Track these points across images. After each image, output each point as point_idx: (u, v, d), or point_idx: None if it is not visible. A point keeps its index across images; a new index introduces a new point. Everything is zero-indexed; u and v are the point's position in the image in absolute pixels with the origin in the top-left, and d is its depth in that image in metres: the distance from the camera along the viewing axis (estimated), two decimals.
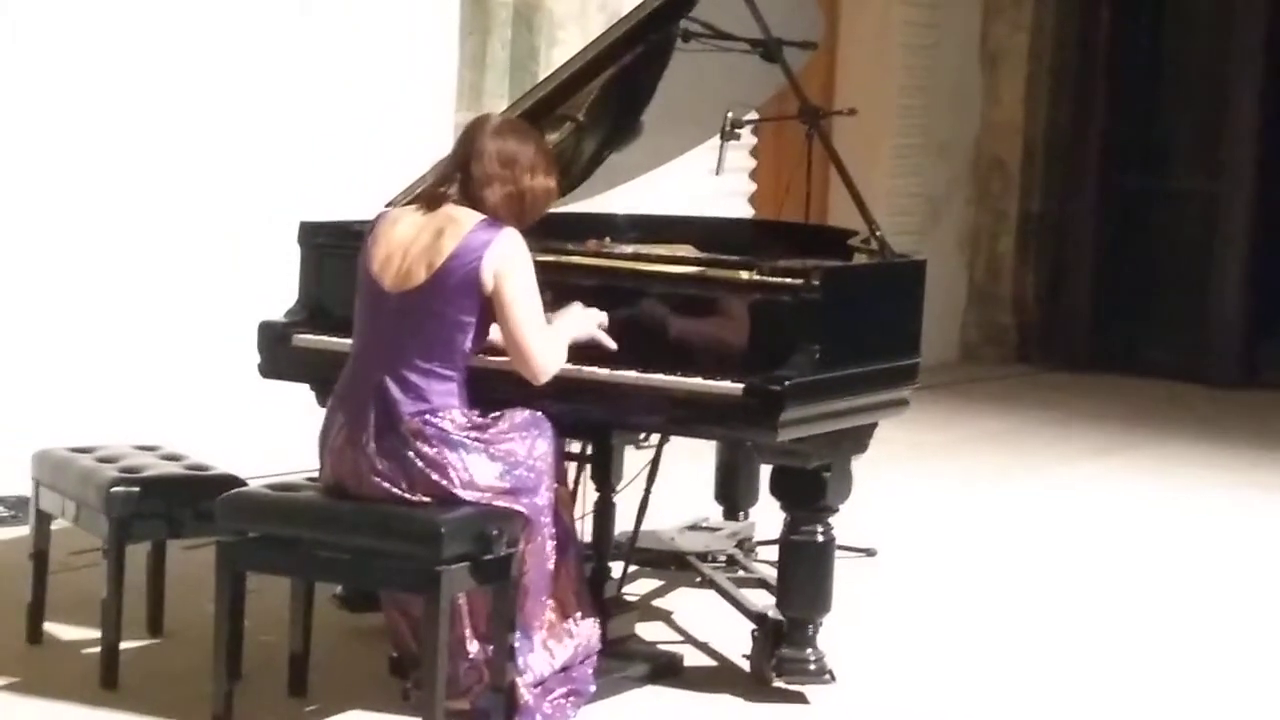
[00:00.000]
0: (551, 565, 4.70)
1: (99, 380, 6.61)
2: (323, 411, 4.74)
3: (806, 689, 4.93)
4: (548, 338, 4.61)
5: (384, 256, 4.58)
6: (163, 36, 6.86)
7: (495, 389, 4.68)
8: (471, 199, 4.60)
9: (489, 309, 4.55)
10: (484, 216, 4.56)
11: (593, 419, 4.90)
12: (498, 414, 4.62)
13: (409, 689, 4.67)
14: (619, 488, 5.17)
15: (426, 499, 4.47)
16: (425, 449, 4.48)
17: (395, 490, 4.48)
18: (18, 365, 6.48)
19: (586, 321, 4.78)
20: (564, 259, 5.00)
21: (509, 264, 4.52)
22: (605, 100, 5.60)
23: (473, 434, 4.53)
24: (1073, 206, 11.78)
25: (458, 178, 4.63)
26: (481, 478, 4.51)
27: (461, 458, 4.49)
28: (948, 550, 6.77)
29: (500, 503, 4.52)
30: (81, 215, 6.67)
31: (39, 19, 6.50)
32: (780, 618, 4.95)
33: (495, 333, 4.66)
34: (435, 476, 4.47)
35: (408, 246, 4.56)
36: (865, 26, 10.85)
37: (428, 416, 4.49)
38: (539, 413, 4.68)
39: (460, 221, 4.55)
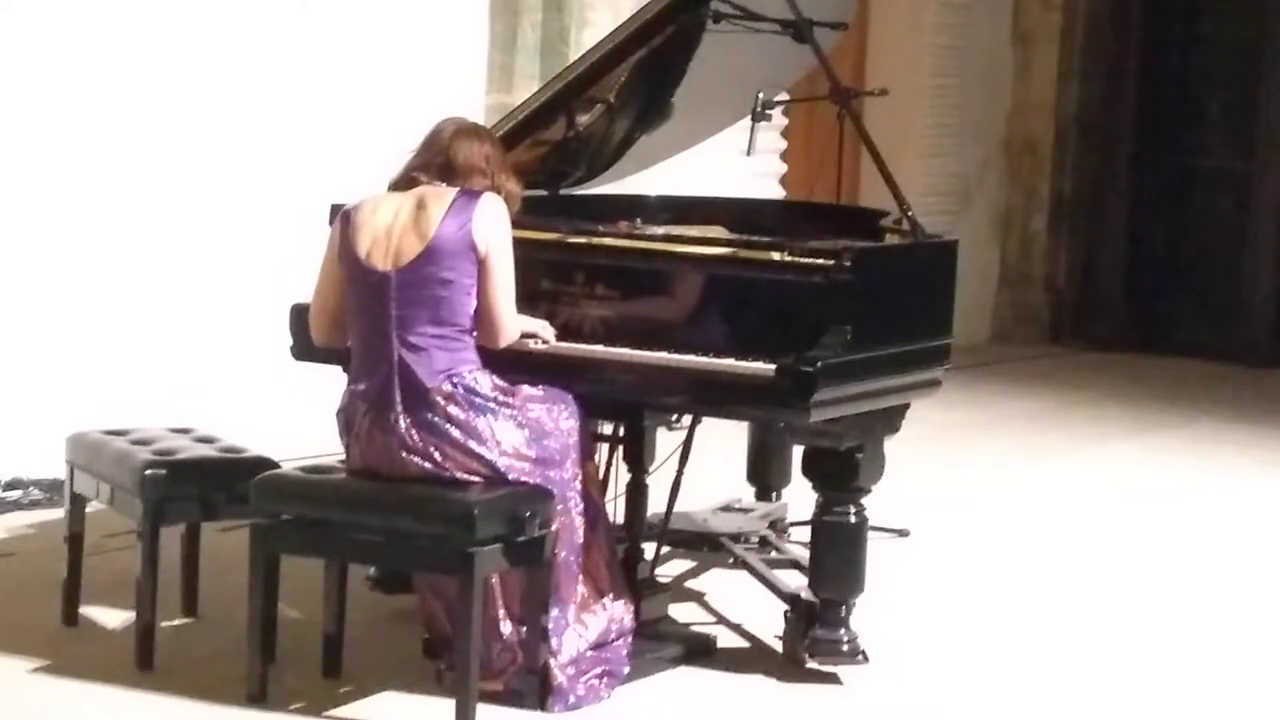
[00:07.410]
0: (581, 539, 4.72)
1: (132, 363, 6.63)
2: None
3: (839, 670, 4.93)
4: (516, 313, 4.66)
5: (370, 243, 4.60)
6: (199, 19, 6.87)
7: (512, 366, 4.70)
8: (452, 186, 4.63)
9: (479, 271, 4.57)
10: (460, 189, 4.60)
11: (624, 400, 4.91)
12: (524, 384, 4.65)
13: (443, 670, 4.68)
14: (651, 469, 5.17)
15: (458, 472, 4.49)
16: (456, 412, 4.50)
17: (427, 466, 4.49)
18: (52, 349, 6.50)
19: (534, 323, 4.83)
20: (595, 240, 5.00)
21: (498, 233, 4.57)
22: (636, 82, 5.59)
23: (501, 398, 4.56)
24: (1105, 186, 11.73)
25: (437, 165, 4.66)
26: (508, 443, 4.54)
27: (490, 424, 4.52)
28: (980, 531, 6.76)
29: (526, 470, 4.54)
30: (114, 200, 6.68)
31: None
32: (813, 599, 4.95)
33: None
34: (468, 441, 4.49)
35: (390, 226, 4.59)
36: (897, 6, 10.81)
37: (453, 378, 4.52)
38: (563, 390, 4.71)
39: (442, 193, 4.60)
